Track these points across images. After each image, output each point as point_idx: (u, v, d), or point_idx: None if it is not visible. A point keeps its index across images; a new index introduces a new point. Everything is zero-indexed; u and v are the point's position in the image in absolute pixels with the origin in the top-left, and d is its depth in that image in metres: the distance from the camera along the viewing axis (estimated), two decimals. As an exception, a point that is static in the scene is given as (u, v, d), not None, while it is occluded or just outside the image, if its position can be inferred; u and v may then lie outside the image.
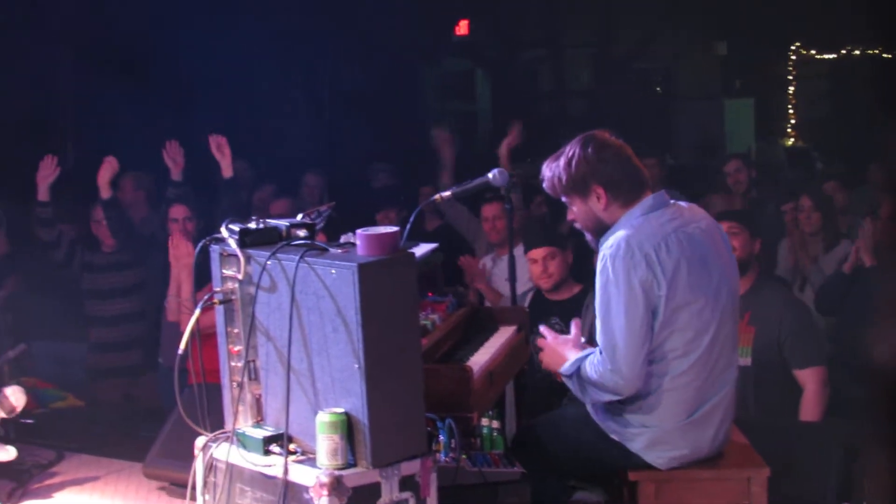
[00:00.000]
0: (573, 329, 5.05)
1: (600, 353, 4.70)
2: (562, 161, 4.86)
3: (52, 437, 7.33)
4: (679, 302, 4.66)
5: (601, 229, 4.88)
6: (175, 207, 8.91)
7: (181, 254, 7.80)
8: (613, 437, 4.87)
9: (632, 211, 4.80)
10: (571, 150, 4.85)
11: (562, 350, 4.95)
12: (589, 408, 4.98)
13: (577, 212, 4.95)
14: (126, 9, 11.20)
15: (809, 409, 6.69)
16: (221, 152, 9.23)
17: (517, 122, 10.29)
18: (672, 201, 4.87)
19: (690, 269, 4.67)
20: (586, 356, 4.77)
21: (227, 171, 9.25)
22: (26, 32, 11.62)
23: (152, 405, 8.78)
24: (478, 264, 8.69)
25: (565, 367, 4.85)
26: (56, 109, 13.23)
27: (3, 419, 6.36)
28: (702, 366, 4.73)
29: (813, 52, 20.17)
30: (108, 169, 8.91)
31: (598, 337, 4.73)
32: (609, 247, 4.71)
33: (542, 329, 5.12)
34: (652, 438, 4.80)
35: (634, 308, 4.63)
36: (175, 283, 7.87)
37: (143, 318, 9.36)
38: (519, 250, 8.16)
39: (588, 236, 5.03)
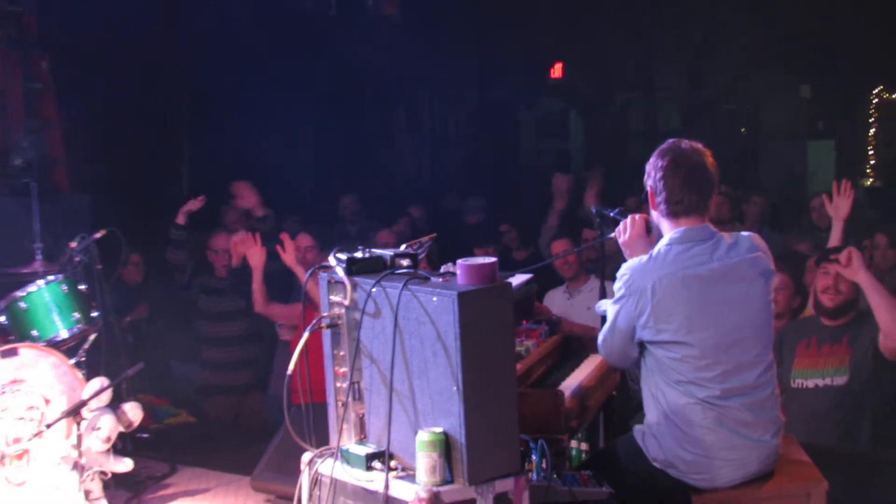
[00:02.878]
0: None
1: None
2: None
3: (165, 451, 7.44)
4: (679, 336, 4.72)
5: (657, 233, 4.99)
6: (300, 237, 9.10)
7: (253, 251, 8.49)
8: (656, 465, 4.88)
9: (671, 235, 4.85)
10: (661, 148, 4.95)
11: (642, 244, 5.08)
12: (636, 435, 5.00)
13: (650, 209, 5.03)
14: (235, 48, 11.35)
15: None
16: (248, 199, 9.58)
17: (597, 168, 10.34)
18: (715, 236, 4.84)
19: (692, 309, 4.70)
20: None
21: (259, 211, 9.64)
22: (146, 67, 11.80)
23: (259, 422, 8.87)
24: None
25: (601, 308, 5.15)
26: (175, 145, 13.42)
27: (121, 433, 6.45)
28: (720, 392, 4.73)
29: (894, 95, 19.93)
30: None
31: None
32: (625, 266, 4.87)
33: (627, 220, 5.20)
34: (690, 463, 4.79)
35: (613, 330, 4.90)
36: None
37: (253, 340, 9.48)
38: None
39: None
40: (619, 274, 4.89)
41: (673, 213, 4.85)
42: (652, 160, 4.91)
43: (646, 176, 4.95)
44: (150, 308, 9.85)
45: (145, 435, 7.44)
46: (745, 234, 4.94)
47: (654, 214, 4.97)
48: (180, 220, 9.31)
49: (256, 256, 8.54)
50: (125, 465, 6.43)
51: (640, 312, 4.76)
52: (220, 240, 9.45)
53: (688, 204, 4.81)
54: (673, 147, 4.88)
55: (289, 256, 8.25)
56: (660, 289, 4.71)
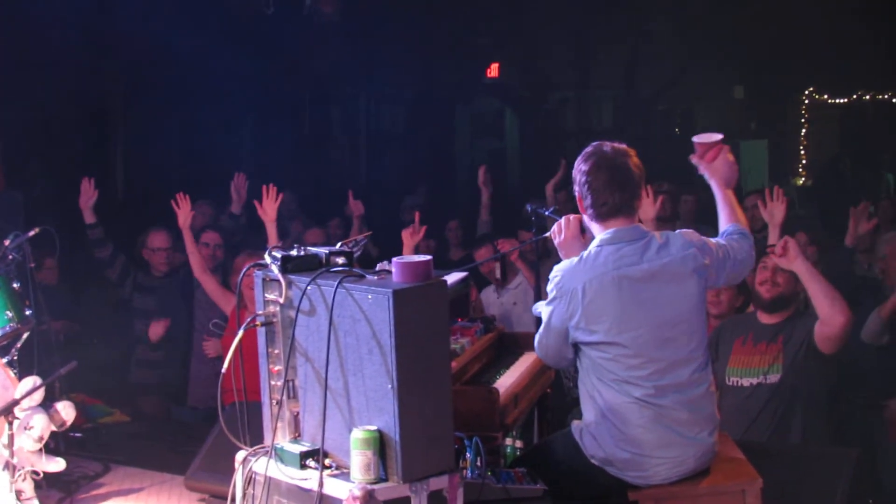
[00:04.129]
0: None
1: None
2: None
3: (98, 450, 7.36)
4: (610, 337, 4.75)
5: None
6: (208, 234, 9.05)
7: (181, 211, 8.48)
8: (594, 462, 4.89)
9: (601, 236, 4.87)
10: (585, 152, 4.96)
11: (577, 244, 5.07)
12: (574, 431, 5.00)
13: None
14: (171, 45, 11.26)
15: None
16: (238, 193, 9.48)
17: (563, 159, 10.38)
18: (646, 236, 4.85)
19: (622, 309, 4.73)
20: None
21: (236, 207, 9.55)
22: (81, 65, 11.68)
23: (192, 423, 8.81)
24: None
25: (536, 310, 5.10)
26: (110, 142, 13.30)
27: (54, 432, 6.37)
28: (654, 391, 4.75)
29: (825, 96, 20.14)
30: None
31: None
32: (557, 268, 4.90)
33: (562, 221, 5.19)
34: (627, 461, 4.81)
35: (548, 331, 4.92)
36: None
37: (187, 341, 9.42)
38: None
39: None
40: (550, 276, 4.92)
41: (600, 216, 4.87)
42: (576, 165, 4.94)
43: (573, 181, 4.97)
44: (78, 307, 9.73)
45: (78, 434, 7.36)
46: (677, 232, 4.95)
47: (585, 218, 4.99)
48: (89, 218, 9.20)
49: (183, 216, 8.49)
50: (58, 464, 6.35)
51: (572, 314, 4.78)
52: (157, 238, 9.36)
53: (612, 205, 4.83)
54: (595, 150, 4.90)
55: (268, 210, 8.23)
56: (590, 290, 4.73)
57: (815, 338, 6.46)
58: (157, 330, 9.05)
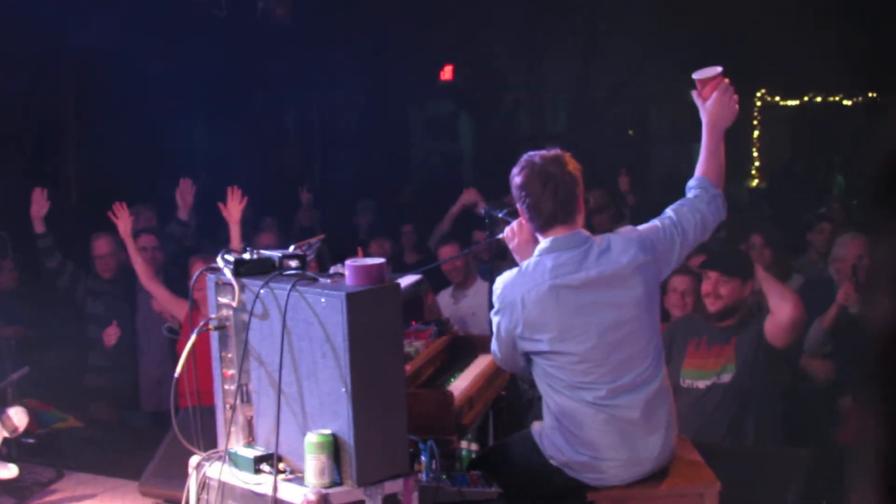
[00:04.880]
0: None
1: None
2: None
3: (51, 457, 7.31)
4: (554, 346, 4.75)
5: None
6: (143, 237, 9.02)
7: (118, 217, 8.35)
8: (552, 462, 4.90)
9: (540, 246, 4.87)
10: (518, 164, 4.92)
11: (531, 248, 4.99)
12: (534, 433, 5.01)
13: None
14: (122, 48, 11.20)
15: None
16: (184, 198, 9.42)
17: (470, 189, 10.46)
18: (586, 242, 4.82)
19: (563, 318, 4.72)
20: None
21: (183, 213, 9.52)
22: (30, 69, 11.59)
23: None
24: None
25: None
26: (61, 147, 13.21)
27: (6, 438, 6.33)
28: (605, 393, 4.75)
29: (777, 98, 20.28)
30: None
31: None
32: (499, 280, 4.91)
33: (514, 225, 5.13)
34: (584, 464, 4.82)
35: (498, 341, 4.95)
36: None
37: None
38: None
39: None
40: (493, 287, 4.94)
41: (540, 228, 4.86)
42: (512, 181, 4.90)
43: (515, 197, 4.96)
44: (31, 313, 9.67)
45: (31, 440, 7.31)
46: (616, 233, 4.93)
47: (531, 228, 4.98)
48: (39, 227, 9.15)
49: (122, 225, 8.38)
50: (10, 471, 6.32)
51: (515, 325, 4.79)
52: (99, 244, 9.33)
53: (549, 215, 4.80)
54: (526, 163, 4.86)
55: (232, 211, 8.21)
56: (528, 301, 4.73)
57: (766, 333, 6.49)
58: (110, 336, 9.00)
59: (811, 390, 7.47)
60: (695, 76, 5.17)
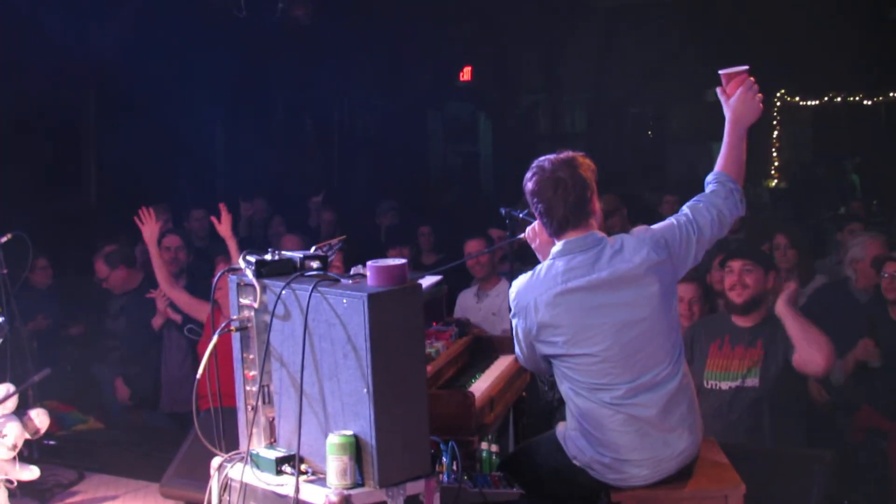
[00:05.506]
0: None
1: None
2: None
3: (73, 458, 7.35)
4: (570, 348, 4.74)
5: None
6: (169, 237, 9.04)
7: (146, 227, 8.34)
8: (576, 463, 4.88)
9: (554, 249, 4.86)
10: (529, 169, 4.91)
11: (551, 248, 4.97)
12: (558, 434, 5.00)
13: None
14: (142, 50, 11.24)
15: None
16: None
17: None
18: (600, 244, 4.79)
19: (577, 321, 4.72)
20: None
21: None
22: (51, 82, 11.64)
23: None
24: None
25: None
26: (82, 147, 13.25)
27: (27, 440, 6.35)
28: (624, 393, 4.73)
29: (797, 98, 20.22)
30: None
31: None
32: (514, 284, 4.92)
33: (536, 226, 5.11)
34: (606, 466, 4.79)
35: (518, 344, 4.95)
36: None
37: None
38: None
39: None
40: (510, 291, 4.94)
41: (556, 233, 4.84)
42: (524, 187, 4.88)
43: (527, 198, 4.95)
44: (60, 313, 9.72)
45: (52, 442, 7.34)
46: (630, 233, 4.89)
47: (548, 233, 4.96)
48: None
49: (149, 231, 8.36)
50: (32, 472, 6.34)
51: (531, 328, 4.79)
52: (99, 268, 9.43)
53: (562, 219, 4.78)
54: (537, 169, 4.83)
55: (224, 227, 8.14)
56: (542, 305, 4.73)
57: (794, 364, 6.48)
58: (123, 392, 9.12)
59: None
60: (721, 72, 5.16)
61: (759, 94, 5.11)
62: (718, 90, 5.17)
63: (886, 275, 7.30)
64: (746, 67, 5.14)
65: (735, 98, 5.10)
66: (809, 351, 6.31)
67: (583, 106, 20.47)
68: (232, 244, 8.12)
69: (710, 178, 5.07)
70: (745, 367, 6.66)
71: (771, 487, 5.78)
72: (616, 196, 10.08)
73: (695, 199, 5.02)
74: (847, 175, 19.18)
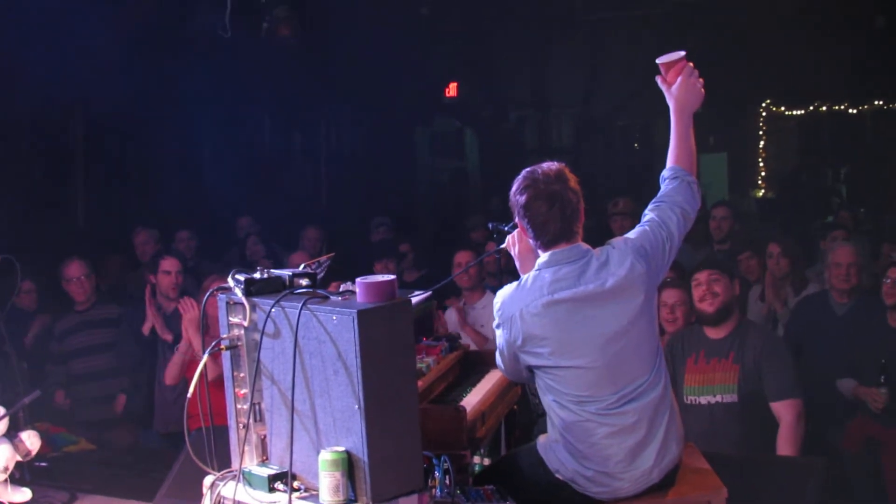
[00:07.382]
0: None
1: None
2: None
3: (64, 479, 7.33)
4: (555, 360, 4.73)
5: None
6: (167, 260, 9.01)
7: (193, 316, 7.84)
8: (559, 476, 4.89)
9: (540, 260, 4.85)
10: (514, 181, 4.90)
11: (532, 257, 4.98)
12: (539, 447, 5.00)
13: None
14: (129, 71, 11.25)
15: (786, 442, 6.65)
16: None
17: None
18: (585, 256, 4.79)
19: (562, 332, 4.71)
20: None
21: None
22: (38, 105, 11.65)
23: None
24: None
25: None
26: (69, 169, 13.24)
27: (19, 462, 6.35)
28: (608, 403, 4.73)
29: (783, 108, 20.25)
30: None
31: None
32: (499, 294, 4.91)
33: (515, 234, 5.14)
34: (590, 479, 4.79)
35: (501, 353, 4.96)
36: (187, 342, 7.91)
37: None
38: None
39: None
40: (494, 301, 4.94)
41: (544, 245, 4.83)
42: (512, 195, 4.86)
43: (511, 209, 4.94)
44: (46, 335, 9.71)
45: (44, 463, 7.33)
46: (612, 244, 4.87)
47: (532, 244, 4.95)
48: None
49: (190, 319, 7.96)
50: (23, 494, 6.34)
51: (515, 339, 4.79)
52: (76, 290, 9.44)
53: (554, 234, 4.78)
54: (529, 182, 4.81)
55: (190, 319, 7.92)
56: (527, 316, 4.73)
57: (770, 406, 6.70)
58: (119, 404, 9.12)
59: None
60: (658, 61, 5.14)
61: (701, 80, 5.11)
62: (658, 79, 5.15)
63: (889, 280, 7.33)
64: (683, 53, 5.12)
65: (676, 86, 5.11)
66: (781, 412, 6.71)
67: (570, 120, 20.49)
68: (196, 339, 7.80)
69: (665, 173, 5.07)
70: (720, 380, 6.72)
71: (763, 495, 5.79)
72: (632, 200, 10.16)
73: (656, 200, 5.01)
74: (834, 184, 19.20)
